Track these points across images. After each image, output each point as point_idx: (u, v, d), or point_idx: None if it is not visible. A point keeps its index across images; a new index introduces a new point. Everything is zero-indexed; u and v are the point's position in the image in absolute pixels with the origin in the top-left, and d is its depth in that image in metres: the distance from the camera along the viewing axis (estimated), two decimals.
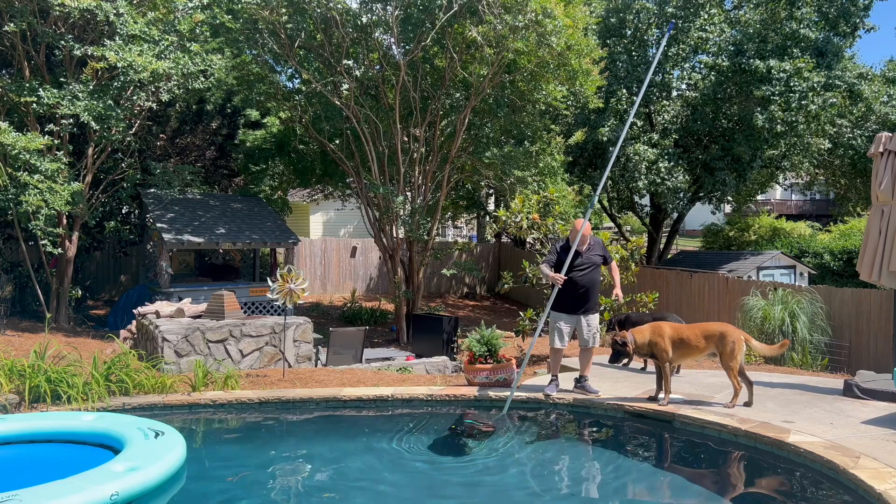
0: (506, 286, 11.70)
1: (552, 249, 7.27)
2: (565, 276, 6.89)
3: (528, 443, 6.19)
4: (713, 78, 17.63)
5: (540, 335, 13.03)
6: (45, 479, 4.28)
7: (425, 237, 14.65)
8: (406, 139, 14.39)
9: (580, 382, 7.13)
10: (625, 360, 8.26)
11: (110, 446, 5.36)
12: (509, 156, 14.05)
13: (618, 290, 7.36)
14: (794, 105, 15.97)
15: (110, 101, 11.17)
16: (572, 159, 18.22)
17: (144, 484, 4.49)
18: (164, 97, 11.89)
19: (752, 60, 16.42)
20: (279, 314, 12.31)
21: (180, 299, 11.51)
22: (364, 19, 12.44)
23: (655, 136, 17.96)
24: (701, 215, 32.45)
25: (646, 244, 21.00)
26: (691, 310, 14.81)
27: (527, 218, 11.09)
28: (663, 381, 6.60)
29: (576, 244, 6.99)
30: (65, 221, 12.00)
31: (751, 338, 6.65)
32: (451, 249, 18.10)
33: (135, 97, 11.80)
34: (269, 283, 8.90)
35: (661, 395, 6.60)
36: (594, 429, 6.60)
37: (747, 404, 6.44)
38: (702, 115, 18.16)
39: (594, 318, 7.11)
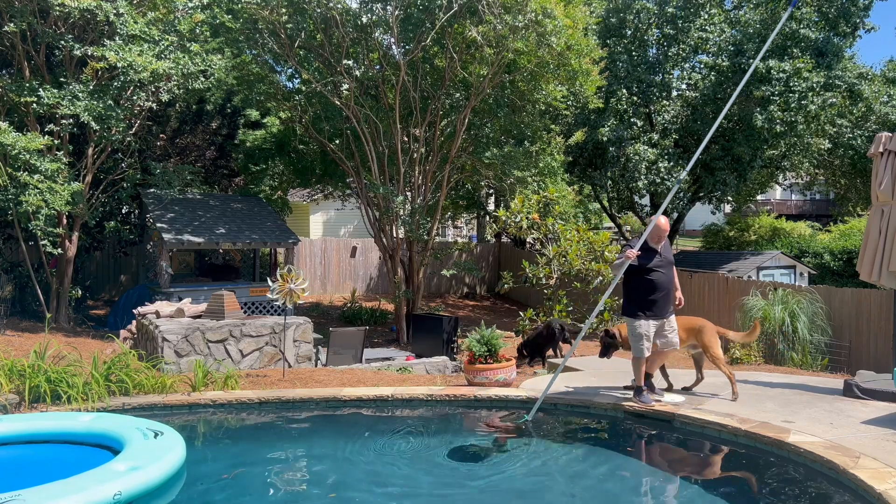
0: (506, 286, 11.71)
1: (624, 250, 6.69)
2: (647, 277, 6.48)
3: (528, 443, 6.19)
4: (713, 78, 17.63)
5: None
6: (42, 480, 4.27)
7: (425, 237, 14.65)
8: (406, 139, 14.38)
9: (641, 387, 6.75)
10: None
11: (108, 446, 5.35)
12: (509, 156, 14.05)
13: (678, 293, 6.97)
14: (793, 105, 15.97)
15: (110, 101, 11.17)
16: (572, 159, 18.22)
17: (146, 483, 4.49)
18: (164, 97, 11.89)
19: (751, 60, 16.42)
20: (279, 314, 12.31)
21: (180, 299, 11.51)
22: (364, 19, 12.44)
23: (655, 136, 17.97)
24: (701, 215, 32.45)
25: None
26: (691, 310, 14.74)
27: (527, 218, 11.11)
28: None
29: (643, 240, 6.52)
30: (65, 221, 12.00)
31: (726, 330, 7.11)
32: (451, 249, 18.09)
33: (135, 97, 11.80)
34: (269, 283, 8.90)
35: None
36: (594, 429, 6.60)
37: (686, 389, 7.05)
38: (702, 115, 18.15)
39: (674, 319, 6.74)
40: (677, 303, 6.84)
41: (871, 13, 17.73)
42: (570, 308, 10.49)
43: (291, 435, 6.56)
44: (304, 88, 14.13)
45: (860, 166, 21.05)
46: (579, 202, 19.47)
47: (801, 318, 11.24)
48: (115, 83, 11.35)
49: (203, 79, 12.12)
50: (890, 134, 6.97)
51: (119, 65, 10.80)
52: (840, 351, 11.63)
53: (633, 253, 6.41)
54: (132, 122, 12.48)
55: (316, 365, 9.69)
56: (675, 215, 21.92)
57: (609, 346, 7.14)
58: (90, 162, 12.31)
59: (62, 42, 11.23)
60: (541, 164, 14.93)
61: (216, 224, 14.41)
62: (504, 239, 23.43)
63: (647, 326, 6.50)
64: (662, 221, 6.57)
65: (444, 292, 21.60)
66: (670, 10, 17.59)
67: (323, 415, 6.94)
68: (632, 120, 17.61)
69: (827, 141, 18.88)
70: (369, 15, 12.57)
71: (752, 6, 17.90)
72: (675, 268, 6.86)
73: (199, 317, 9.41)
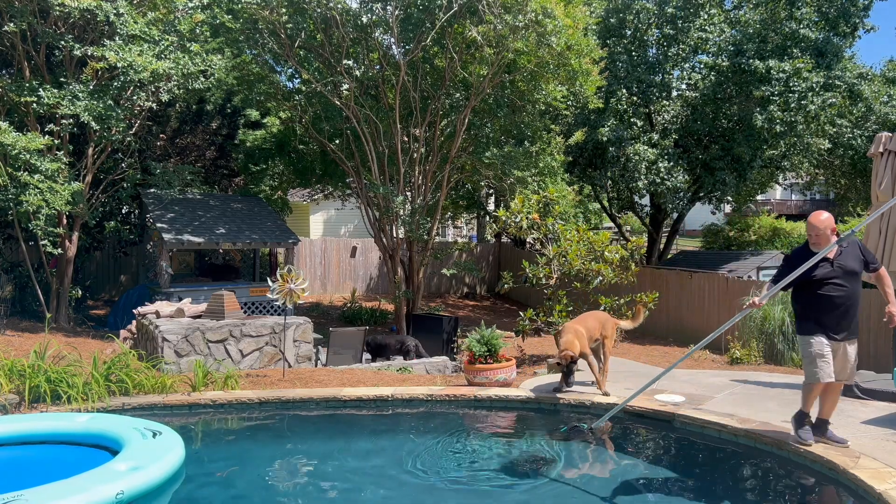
0: (506, 286, 11.70)
1: (785, 262, 5.38)
2: (818, 292, 5.16)
3: (529, 442, 6.19)
4: (713, 78, 17.63)
5: (540, 335, 13.04)
6: (38, 482, 4.26)
7: (425, 237, 14.65)
8: (406, 139, 14.38)
9: (820, 428, 5.41)
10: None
11: (106, 447, 5.36)
12: (509, 156, 14.04)
13: (892, 308, 5.19)
14: (793, 105, 15.97)
15: (110, 101, 11.17)
16: (572, 159, 18.22)
17: (147, 483, 4.50)
18: (164, 97, 11.89)
19: (751, 60, 16.41)
20: (279, 314, 12.31)
21: (180, 299, 11.51)
22: (364, 19, 12.44)
23: (655, 136, 17.96)
24: (701, 215, 32.42)
25: (646, 244, 21.00)
26: (691, 310, 14.80)
27: (527, 218, 11.09)
28: (595, 371, 7.16)
29: (818, 258, 5.10)
30: (65, 221, 12.00)
31: (618, 321, 7.78)
32: (451, 249, 18.10)
33: (135, 97, 11.80)
34: (269, 283, 8.90)
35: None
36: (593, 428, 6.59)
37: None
38: (702, 115, 18.15)
39: (855, 347, 5.28)
40: (885, 319, 5.20)
41: (871, 13, 17.74)
42: (571, 308, 10.48)
43: (291, 435, 6.56)
44: (304, 88, 14.13)
45: (860, 166, 21.04)
46: (579, 202, 19.44)
47: None
48: (115, 83, 11.35)
49: (203, 79, 12.12)
50: (890, 134, 6.97)
51: (119, 65, 10.80)
52: None
53: (757, 302, 5.30)
54: (132, 122, 12.48)
55: (316, 365, 9.69)
56: (675, 215, 21.93)
57: (569, 373, 6.97)
58: (90, 162, 12.31)
59: (62, 42, 11.23)
60: (541, 164, 14.92)
61: (216, 224, 14.41)
62: (504, 239, 23.43)
63: (821, 345, 5.11)
64: (823, 217, 5.17)
65: (444, 292, 21.60)
66: (670, 10, 17.59)
67: (323, 415, 6.94)
68: (632, 120, 17.61)
69: (827, 141, 18.87)
70: (369, 15, 12.57)
71: (751, 6, 17.89)
72: (882, 272, 5.34)
73: (199, 317, 9.41)
